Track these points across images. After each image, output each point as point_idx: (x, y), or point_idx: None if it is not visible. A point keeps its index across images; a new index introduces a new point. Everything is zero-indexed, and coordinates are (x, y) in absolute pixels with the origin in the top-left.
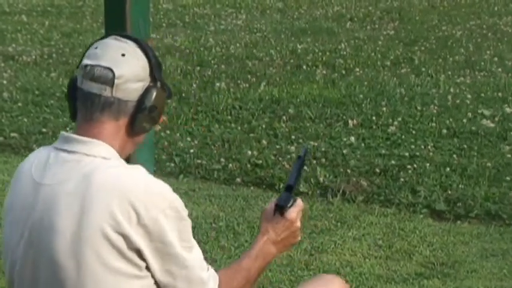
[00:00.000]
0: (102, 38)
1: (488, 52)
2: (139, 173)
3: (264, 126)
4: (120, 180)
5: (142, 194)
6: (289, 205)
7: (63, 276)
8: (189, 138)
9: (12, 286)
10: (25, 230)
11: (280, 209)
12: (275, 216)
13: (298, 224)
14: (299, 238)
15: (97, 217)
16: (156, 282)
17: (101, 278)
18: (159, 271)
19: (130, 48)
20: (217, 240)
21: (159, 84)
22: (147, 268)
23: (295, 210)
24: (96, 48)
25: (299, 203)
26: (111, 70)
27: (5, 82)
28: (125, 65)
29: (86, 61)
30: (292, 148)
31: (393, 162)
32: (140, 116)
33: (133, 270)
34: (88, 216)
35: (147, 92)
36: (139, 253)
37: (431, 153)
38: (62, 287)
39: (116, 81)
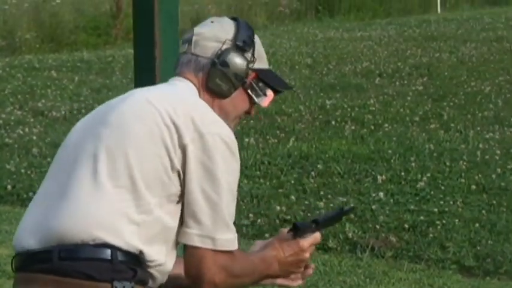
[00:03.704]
0: None
1: None
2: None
3: (292, 181)
4: (191, 97)
5: (207, 115)
6: (306, 232)
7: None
8: None
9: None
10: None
11: (296, 230)
12: (288, 235)
13: (307, 255)
14: (301, 270)
15: (163, 105)
16: (178, 199)
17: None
18: (193, 182)
19: (224, 20)
20: None
21: (241, 50)
22: (180, 176)
23: (309, 241)
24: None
25: (316, 235)
26: (193, 30)
27: (34, 138)
28: (207, 27)
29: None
30: (321, 204)
31: (422, 218)
32: (213, 71)
33: (168, 164)
34: (155, 102)
35: (223, 51)
36: (183, 154)
37: (460, 209)
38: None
39: (193, 37)
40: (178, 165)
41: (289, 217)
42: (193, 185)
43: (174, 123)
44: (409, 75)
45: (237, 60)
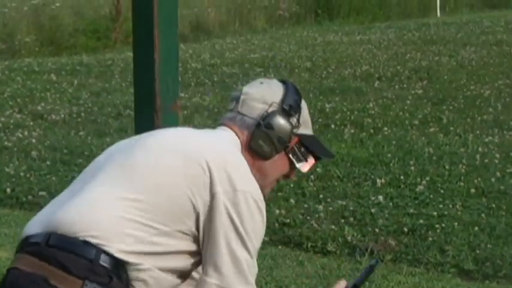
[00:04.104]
0: None
1: None
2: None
3: (291, 185)
4: (232, 150)
5: (243, 172)
6: None
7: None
8: None
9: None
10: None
11: None
12: None
13: None
14: None
15: (204, 149)
16: (186, 237)
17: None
18: (219, 233)
19: (273, 82)
20: None
21: (287, 114)
22: (199, 219)
23: None
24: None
25: None
26: (242, 88)
27: (33, 141)
28: (256, 87)
29: None
30: (320, 207)
31: (421, 221)
32: (257, 132)
33: (191, 204)
34: (198, 145)
35: (269, 113)
36: (211, 202)
37: (459, 213)
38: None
39: (242, 96)
40: (201, 208)
41: (288, 220)
42: (219, 236)
43: (209, 169)
44: (408, 78)
45: (282, 124)
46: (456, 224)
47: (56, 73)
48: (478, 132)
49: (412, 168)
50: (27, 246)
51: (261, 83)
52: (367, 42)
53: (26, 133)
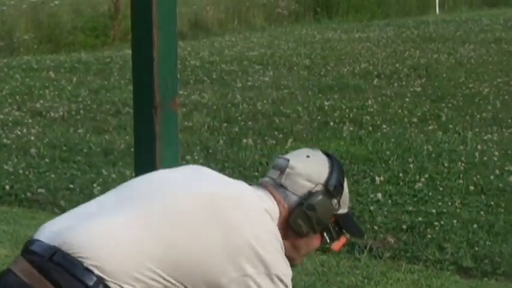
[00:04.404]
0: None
1: None
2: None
3: None
4: (265, 225)
5: (275, 254)
6: None
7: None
8: None
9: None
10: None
11: None
12: None
13: None
14: None
15: (238, 224)
16: None
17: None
18: None
19: (319, 157)
20: None
21: (330, 195)
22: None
23: None
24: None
25: None
26: (288, 160)
27: (32, 138)
28: (303, 162)
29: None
30: None
31: (420, 218)
32: (298, 210)
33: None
34: (234, 216)
35: (312, 193)
36: (241, 277)
37: (458, 210)
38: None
39: (287, 169)
40: (225, 282)
41: None
42: None
43: (247, 246)
44: (407, 76)
45: (324, 207)
46: (455, 221)
47: (54, 70)
48: (477, 129)
49: (411, 165)
50: (31, 253)
51: (308, 156)
52: (365, 40)
53: (24, 130)
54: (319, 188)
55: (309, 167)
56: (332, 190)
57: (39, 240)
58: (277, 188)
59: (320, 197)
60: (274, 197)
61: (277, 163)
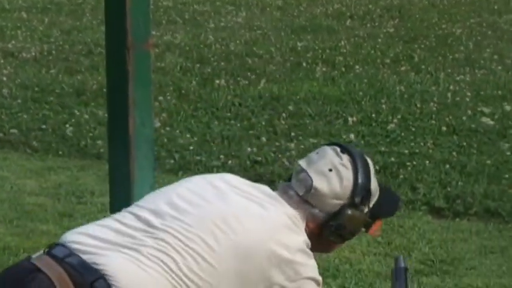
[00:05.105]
0: (329, 144)
1: (488, 50)
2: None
3: (263, 123)
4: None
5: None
6: None
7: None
8: (188, 135)
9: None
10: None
11: None
12: None
13: None
14: None
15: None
16: None
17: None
18: None
19: (341, 166)
20: None
21: (358, 206)
22: None
23: None
24: (317, 153)
25: None
26: (312, 180)
27: (4, 79)
28: (327, 181)
29: (302, 162)
30: (292, 145)
31: (393, 159)
32: (327, 231)
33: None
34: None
35: (340, 211)
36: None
37: (430, 151)
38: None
39: (311, 190)
40: None
41: (259, 158)
42: None
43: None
44: (380, 17)
45: (354, 220)
46: (427, 161)
47: (26, 11)
48: (449, 70)
49: (384, 106)
50: (54, 253)
51: (330, 170)
52: None
53: None
54: (347, 201)
55: (333, 184)
56: (359, 202)
57: (78, 250)
58: (304, 205)
59: (349, 212)
60: (302, 216)
61: (301, 177)
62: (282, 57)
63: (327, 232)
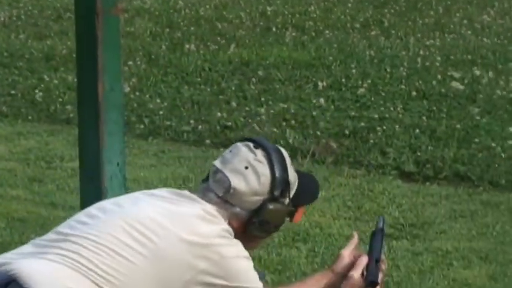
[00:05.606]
0: (242, 140)
1: (457, 14)
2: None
3: (233, 88)
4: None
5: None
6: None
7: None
8: (158, 100)
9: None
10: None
11: (373, 284)
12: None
13: None
14: None
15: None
16: None
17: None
18: None
19: (256, 162)
20: None
21: (279, 199)
22: None
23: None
24: (230, 151)
25: (381, 278)
26: (229, 180)
27: None
28: (243, 179)
29: (217, 162)
30: (262, 110)
31: (362, 124)
32: (251, 228)
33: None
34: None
35: (261, 207)
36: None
37: (400, 115)
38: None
39: (230, 191)
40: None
41: (230, 123)
42: None
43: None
44: None
45: (277, 212)
46: (397, 126)
47: None
48: (419, 35)
49: (354, 71)
50: None
51: (246, 167)
52: None
53: None
54: (267, 196)
55: (251, 182)
56: (279, 195)
57: None
58: (225, 205)
59: (270, 207)
60: (223, 214)
61: (218, 178)
62: (252, 22)
63: (251, 229)
